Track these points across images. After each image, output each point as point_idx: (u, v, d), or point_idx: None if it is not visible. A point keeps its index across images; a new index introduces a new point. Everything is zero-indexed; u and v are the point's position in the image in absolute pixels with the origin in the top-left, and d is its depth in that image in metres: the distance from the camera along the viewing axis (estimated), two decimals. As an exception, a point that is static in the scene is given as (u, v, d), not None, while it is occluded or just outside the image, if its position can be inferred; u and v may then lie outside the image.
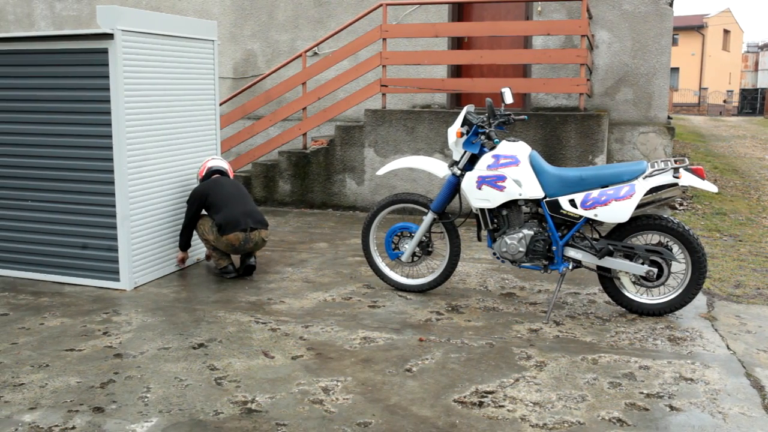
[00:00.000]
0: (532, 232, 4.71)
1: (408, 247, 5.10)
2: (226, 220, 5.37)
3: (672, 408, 3.36)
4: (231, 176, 5.88)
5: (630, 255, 4.59)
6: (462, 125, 4.82)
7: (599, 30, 8.99)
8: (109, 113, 5.07)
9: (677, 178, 4.36)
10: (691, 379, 3.68)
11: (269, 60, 10.51)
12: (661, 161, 4.47)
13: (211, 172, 5.77)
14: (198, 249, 6.20)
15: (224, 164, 5.87)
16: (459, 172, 4.89)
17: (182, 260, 5.78)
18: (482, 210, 4.84)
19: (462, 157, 4.88)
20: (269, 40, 10.50)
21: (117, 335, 4.30)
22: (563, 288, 5.32)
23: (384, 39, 8.36)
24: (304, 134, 8.89)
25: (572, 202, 4.55)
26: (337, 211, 8.62)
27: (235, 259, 6.02)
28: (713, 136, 17.42)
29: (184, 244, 5.71)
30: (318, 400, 3.42)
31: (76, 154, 5.22)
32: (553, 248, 4.68)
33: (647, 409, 3.34)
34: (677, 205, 8.61)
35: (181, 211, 5.82)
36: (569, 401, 3.42)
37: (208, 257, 6.11)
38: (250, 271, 5.59)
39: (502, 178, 4.66)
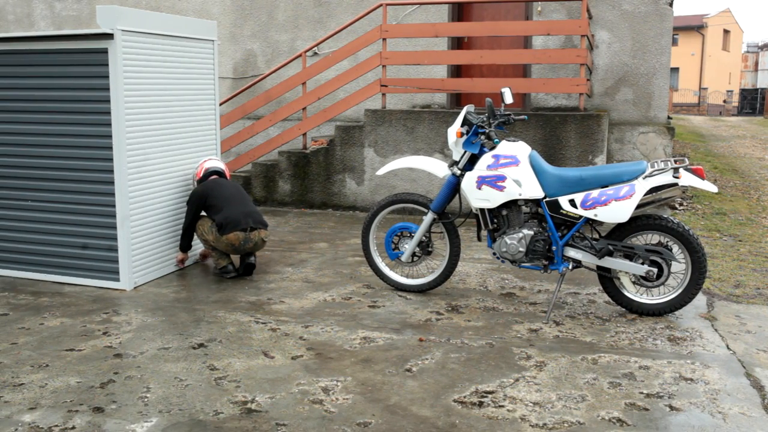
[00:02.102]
0: (532, 232, 4.71)
1: (408, 247, 5.10)
2: (226, 220, 5.37)
3: (672, 408, 3.36)
4: (228, 177, 5.88)
5: (630, 255, 4.59)
6: (462, 125, 4.82)
7: (599, 30, 8.99)
8: (109, 113, 5.07)
9: (677, 178, 4.36)
10: (691, 379, 3.69)
11: (269, 60, 10.51)
12: (661, 161, 4.47)
13: (209, 173, 5.77)
14: (199, 248, 6.20)
15: (221, 165, 5.88)
16: (459, 172, 4.89)
17: (182, 261, 5.78)
18: (482, 210, 4.84)
19: (462, 157, 4.88)
20: (269, 40, 10.50)
21: (117, 335, 4.30)
22: (563, 288, 5.32)
23: (384, 39, 8.36)
24: (304, 134, 8.89)
25: (572, 202, 4.55)
26: (337, 211, 8.62)
27: (235, 259, 6.03)
28: (713, 136, 17.42)
29: (185, 245, 5.71)
30: (318, 400, 3.42)
31: (76, 154, 5.22)
32: (553, 248, 4.68)
33: (647, 409, 3.34)
34: (677, 205, 8.61)
35: (181, 210, 5.82)
36: (569, 401, 3.42)
37: (204, 257, 6.10)
38: (250, 270, 5.59)
39: (502, 178, 4.66)
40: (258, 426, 3.17)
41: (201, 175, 5.77)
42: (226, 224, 5.37)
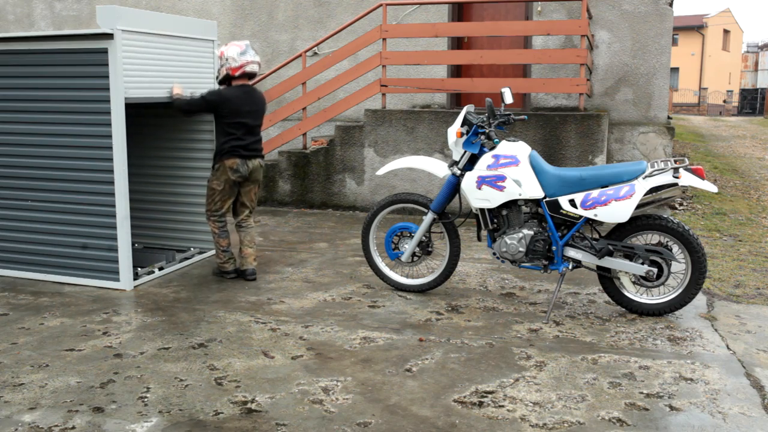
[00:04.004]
0: (532, 232, 4.71)
1: (408, 247, 5.10)
2: (226, 147, 5.30)
3: (672, 408, 3.36)
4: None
5: (630, 255, 4.59)
6: (462, 125, 4.82)
7: (599, 30, 8.99)
8: (109, 113, 5.07)
9: (677, 178, 4.37)
10: (691, 379, 3.69)
11: (269, 60, 10.51)
12: (661, 161, 4.47)
13: (245, 75, 5.38)
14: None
15: (257, 67, 5.44)
16: (459, 172, 4.89)
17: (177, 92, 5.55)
18: (482, 210, 4.84)
19: (462, 157, 4.88)
20: (269, 40, 10.50)
21: (117, 335, 4.30)
22: (563, 288, 5.32)
23: (384, 39, 8.36)
24: (304, 134, 8.89)
25: (572, 202, 4.55)
26: (337, 211, 8.62)
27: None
28: (713, 136, 17.42)
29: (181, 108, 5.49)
30: (318, 400, 3.42)
31: (76, 154, 5.22)
32: (553, 248, 4.68)
33: (647, 409, 3.34)
34: (677, 205, 8.61)
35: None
36: (569, 401, 3.42)
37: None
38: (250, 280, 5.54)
39: (502, 178, 4.66)
40: (258, 426, 3.17)
41: (236, 73, 5.33)
42: (226, 152, 5.30)
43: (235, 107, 5.30)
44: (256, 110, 5.42)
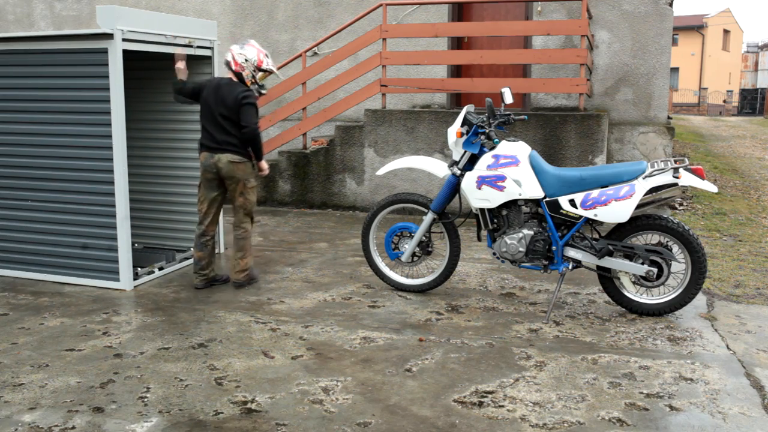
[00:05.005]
0: (532, 232, 4.71)
1: (408, 247, 5.10)
2: (200, 139, 5.20)
3: (672, 408, 3.36)
4: (235, 67, 5.14)
5: (630, 255, 4.59)
6: (462, 125, 4.82)
7: (599, 30, 8.99)
8: (109, 113, 5.07)
9: (677, 178, 4.37)
10: (691, 379, 3.69)
11: (269, 60, 10.50)
12: (661, 161, 4.47)
13: (226, 64, 5.20)
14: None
15: (230, 56, 5.15)
16: (459, 172, 4.89)
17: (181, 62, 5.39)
18: (482, 210, 4.84)
19: (462, 157, 4.88)
20: (269, 40, 10.50)
21: (117, 335, 4.30)
22: (563, 288, 5.32)
23: (384, 39, 8.36)
24: (304, 134, 8.89)
25: (572, 202, 4.55)
26: (337, 211, 8.62)
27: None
28: (713, 136, 17.42)
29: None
30: (318, 400, 3.42)
31: (76, 154, 5.22)
32: (553, 248, 4.68)
33: (647, 409, 3.34)
34: (677, 205, 8.61)
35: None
36: (569, 401, 3.42)
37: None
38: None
39: (502, 178, 4.66)
40: (258, 426, 3.17)
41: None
42: (199, 144, 5.19)
43: (203, 97, 5.15)
44: (220, 104, 5.06)
